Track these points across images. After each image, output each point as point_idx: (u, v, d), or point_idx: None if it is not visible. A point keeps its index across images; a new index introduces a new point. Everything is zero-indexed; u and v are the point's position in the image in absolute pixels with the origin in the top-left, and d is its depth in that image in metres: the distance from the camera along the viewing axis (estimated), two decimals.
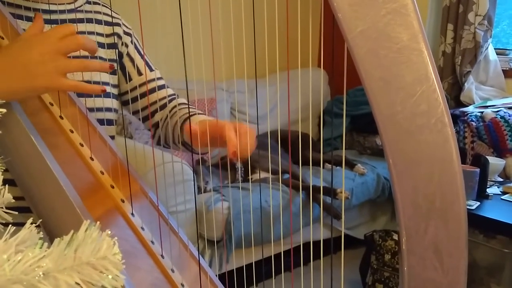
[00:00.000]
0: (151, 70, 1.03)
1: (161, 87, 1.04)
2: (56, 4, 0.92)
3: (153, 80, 1.02)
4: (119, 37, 1.01)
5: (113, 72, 1.00)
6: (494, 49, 2.87)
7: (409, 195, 0.46)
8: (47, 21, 0.91)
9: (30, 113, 0.71)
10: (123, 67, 1.02)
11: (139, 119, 1.05)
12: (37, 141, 0.67)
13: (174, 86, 1.09)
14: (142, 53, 1.03)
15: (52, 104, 0.79)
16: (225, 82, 2.78)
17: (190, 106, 0.99)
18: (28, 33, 0.70)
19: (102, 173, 0.75)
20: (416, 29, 0.43)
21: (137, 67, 1.01)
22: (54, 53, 0.66)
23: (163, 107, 1.02)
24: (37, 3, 0.89)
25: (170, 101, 1.03)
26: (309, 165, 2.51)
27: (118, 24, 1.01)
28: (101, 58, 0.97)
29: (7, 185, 0.42)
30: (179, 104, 1.02)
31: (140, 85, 1.02)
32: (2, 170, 0.45)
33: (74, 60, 0.68)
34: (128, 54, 1.02)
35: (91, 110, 0.87)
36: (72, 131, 0.78)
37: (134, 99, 1.02)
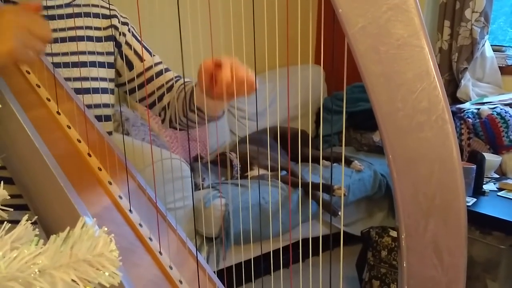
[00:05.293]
0: (151, 55, 1.03)
1: (165, 70, 1.04)
2: None
3: (157, 64, 1.02)
4: (116, 28, 1.01)
5: (110, 66, 0.99)
6: (491, 45, 2.87)
7: (409, 192, 0.45)
8: (45, 17, 0.90)
9: (27, 109, 0.70)
10: (123, 57, 1.01)
11: (147, 105, 1.05)
12: (34, 136, 0.66)
13: None
14: (140, 39, 1.03)
15: (49, 100, 0.79)
16: None
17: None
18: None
19: (100, 169, 0.74)
20: (417, 26, 0.43)
21: (138, 54, 1.01)
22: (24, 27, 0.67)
23: (169, 89, 1.02)
24: None
25: (176, 82, 1.03)
26: (306, 162, 2.51)
27: (114, 16, 1.01)
28: (98, 52, 0.96)
29: (2, 182, 0.42)
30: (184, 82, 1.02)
31: (142, 72, 1.02)
32: None
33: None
34: (126, 43, 1.02)
35: (89, 107, 0.86)
36: (69, 127, 0.77)
37: (140, 86, 1.02)
